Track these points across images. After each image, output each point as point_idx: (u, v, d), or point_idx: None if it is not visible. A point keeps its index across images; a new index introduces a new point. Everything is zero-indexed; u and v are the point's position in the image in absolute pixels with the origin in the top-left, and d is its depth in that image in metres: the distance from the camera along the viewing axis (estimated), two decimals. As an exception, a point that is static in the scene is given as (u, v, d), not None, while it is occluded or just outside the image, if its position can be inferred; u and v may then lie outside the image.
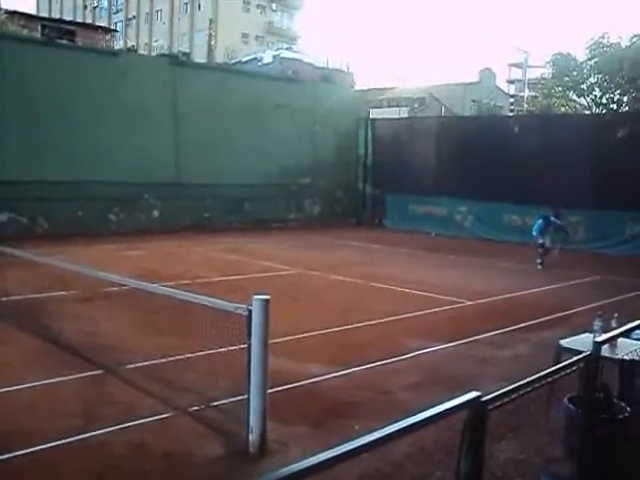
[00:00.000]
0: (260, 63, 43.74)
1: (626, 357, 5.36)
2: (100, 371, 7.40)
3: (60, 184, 19.69)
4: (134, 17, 78.88)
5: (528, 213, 20.98)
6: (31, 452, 5.34)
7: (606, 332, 5.08)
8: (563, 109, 38.40)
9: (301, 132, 26.01)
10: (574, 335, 6.48)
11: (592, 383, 4.04)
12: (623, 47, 33.30)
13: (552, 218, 17.32)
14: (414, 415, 2.62)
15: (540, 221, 17.25)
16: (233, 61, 47.25)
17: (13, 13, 32.51)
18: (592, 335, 5.55)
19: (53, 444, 5.50)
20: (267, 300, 5.42)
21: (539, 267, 16.71)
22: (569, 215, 19.55)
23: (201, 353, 6.91)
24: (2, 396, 6.60)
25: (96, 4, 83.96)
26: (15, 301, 10.25)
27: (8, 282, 10.32)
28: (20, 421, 6.01)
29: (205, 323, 6.10)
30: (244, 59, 47.48)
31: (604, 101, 34.93)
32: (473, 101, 55.42)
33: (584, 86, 35.38)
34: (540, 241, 17.06)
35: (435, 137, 26.11)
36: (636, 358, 5.28)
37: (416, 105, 50.10)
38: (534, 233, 17.29)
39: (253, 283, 12.75)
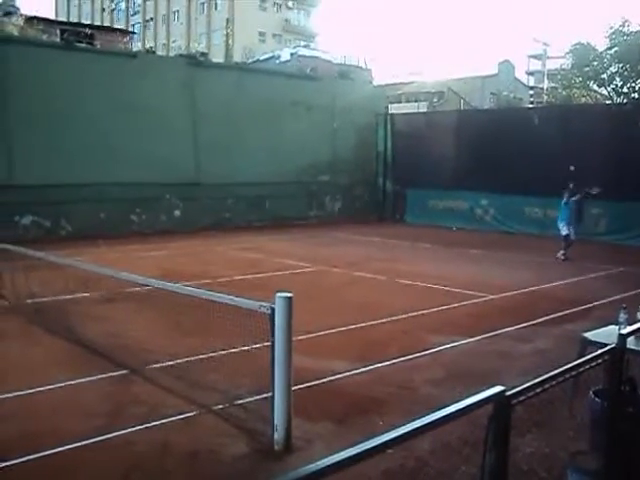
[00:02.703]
0: (278, 61, 43.78)
1: (652, 349, 5.31)
2: (125, 371, 7.46)
3: (82, 186, 19.87)
4: (151, 19, 79.36)
5: (549, 205, 20.84)
6: (57, 452, 5.40)
7: (631, 324, 5.04)
8: (583, 99, 38.06)
9: (320, 129, 26.02)
10: (597, 328, 6.43)
11: (617, 376, 4.00)
12: (644, 35, 32.87)
13: (572, 198, 16.89)
14: (438, 410, 2.62)
15: (566, 208, 16.87)
16: (251, 60, 47.33)
17: (32, 18, 32.80)
18: (617, 327, 5.50)
19: (79, 444, 5.55)
20: (290, 298, 5.43)
21: (562, 258, 16.51)
22: (591, 207, 19.37)
23: (225, 352, 6.95)
24: (29, 397, 6.68)
25: (114, 7, 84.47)
26: (40, 303, 10.37)
27: (33, 284, 10.45)
28: (46, 421, 6.08)
29: (228, 322, 6.12)
30: (262, 57, 47.55)
31: (625, 90, 34.54)
32: (492, 94, 55.12)
33: (604, 76, 35.00)
34: (565, 232, 16.79)
35: (454, 131, 26.00)
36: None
37: (435, 99, 49.93)
38: (561, 224, 16.94)
39: (275, 281, 12.78)
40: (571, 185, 16.86)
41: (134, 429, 5.90)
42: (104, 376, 7.31)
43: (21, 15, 32.98)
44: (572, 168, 16.71)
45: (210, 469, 5.31)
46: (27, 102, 19.25)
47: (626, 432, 4.04)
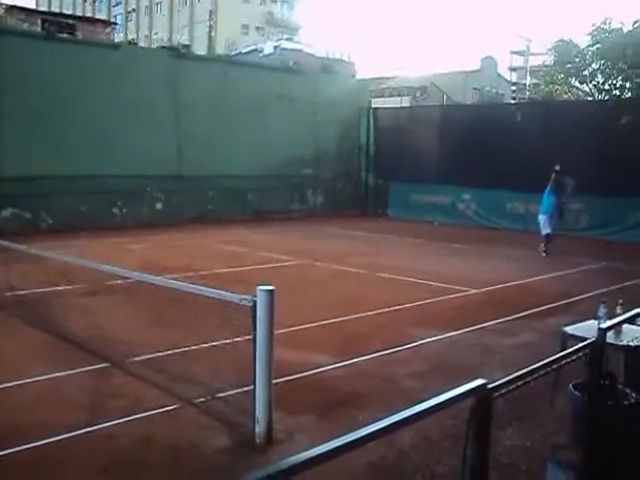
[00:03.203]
0: (261, 54, 43.53)
1: (631, 343, 5.36)
2: (106, 364, 7.42)
3: (63, 178, 19.69)
4: (134, 10, 78.76)
5: (531, 201, 20.95)
6: (37, 445, 5.36)
7: (611, 319, 5.08)
8: (565, 96, 38.29)
9: (303, 122, 25.95)
10: (580, 322, 6.47)
11: (597, 370, 4.03)
12: (625, 32, 33.16)
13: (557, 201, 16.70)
14: (420, 403, 2.62)
15: (548, 199, 16.66)
16: (234, 52, 47.08)
17: (12, 7, 32.38)
18: (597, 322, 5.54)
19: (59, 437, 5.52)
20: (271, 291, 5.42)
21: (543, 254, 16.55)
22: (573, 202, 19.48)
23: (207, 345, 6.94)
24: (8, 390, 6.63)
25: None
26: (20, 295, 10.27)
27: (13, 277, 10.36)
28: (26, 415, 6.04)
29: (210, 315, 6.11)
30: (245, 50, 47.27)
31: (607, 87, 34.86)
32: (475, 89, 55.30)
33: (586, 73, 35.30)
34: (546, 231, 16.69)
35: (437, 126, 26.06)
36: (641, 344, 5.28)
37: (418, 94, 49.94)
38: (542, 217, 16.76)
39: (257, 274, 12.76)
40: (557, 167, 16.71)
41: (116, 422, 5.87)
42: (85, 369, 7.26)
43: (1, 4, 32.52)
44: (557, 167, 16.70)
45: (192, 462, 5.30)
46: (6, 93, 19.01)
47: (605, 425, 4.07)
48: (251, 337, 5.46)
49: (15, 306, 9.84)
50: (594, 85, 35.48)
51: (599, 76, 34.93)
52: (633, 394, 4.56)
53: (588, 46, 34.40)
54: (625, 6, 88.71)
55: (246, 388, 5.69)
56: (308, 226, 22.65)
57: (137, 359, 7.43)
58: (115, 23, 50.32)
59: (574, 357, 3.83)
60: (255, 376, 5.48)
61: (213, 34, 51.98)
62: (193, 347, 7.32)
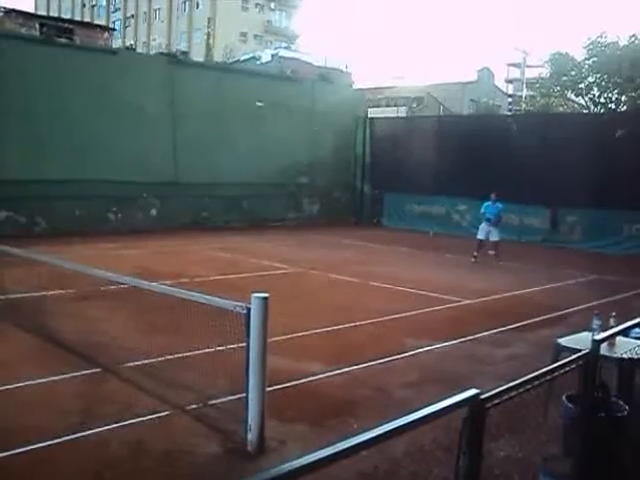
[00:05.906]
0: (259, 62, 43.64)
1: (625, 356, 5.36)
2: (98, 369, 7.39)
3: (58, 183, 19.67)
4: (132, 16, 78.76)
5: (526, 212, 21.04)
6: (29, 450, 5.33)
7: (605, 331, 5.08)
8: (561, 108, 38.40)
9: (299, 131, 26.01)
10: (572, 334, 6.48)
11: (591, 381, 4.03)
12: (621, 46, 33.29)
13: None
14: (413, 413, 2.62)
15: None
16: (231, 60, 47.17)
17: (11, 11, 32.36)
18: (590, 334, 5.54)
19: (51, 442, 5.49)
20: (266, 298, 5.41)
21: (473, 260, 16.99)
22: (567, 214, 19.53)
23: (200, 352, 6.91)
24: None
25: (94, 2, 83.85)
26: (13, 299, 10.21)
27: (6, 280, 10.30)
28: (17, 419, 6.00)
29: (204, 322, 6.09)
30: (242, 58, 47.39)
31: (602, 100, 34.92)
32: (471, 100, 55.40)
33: (582, 85, 35.37)
34: (480, 236, 17.30)
35: (433, 136, 26.11)
36: (635, 357, 5.28)
37: (414, 104, 50.06)
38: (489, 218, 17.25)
39: (251, 282, 12.73)
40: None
41: (107, 428, 5.84)
42: (77, 374, 7.23)
43: (-1, 8, 32.49)
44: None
45: (183, 469, 5.27)
46: (4, 96, 19.01)
47: (598, 437, 4.07)
48: (245, 344, 5.45)
49: (7, 310, 9.79)
50: (590, 98, 35.55)
51: (595, 89, 34.99)
52: (626, 406, 4.56)
53: (584, 59, 34.51)
54: (621, 20, 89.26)
55: (239, 395, 5.68)
56: (303, 234, 22.64)
57: (130, 365, 7.40)
58: (113, 29, 50.35)
59: (567, 369, 3.83)
60: (248, 383, 5.47)
61: (211, 41, 52.07)
62: (187, 353, 7.30)
